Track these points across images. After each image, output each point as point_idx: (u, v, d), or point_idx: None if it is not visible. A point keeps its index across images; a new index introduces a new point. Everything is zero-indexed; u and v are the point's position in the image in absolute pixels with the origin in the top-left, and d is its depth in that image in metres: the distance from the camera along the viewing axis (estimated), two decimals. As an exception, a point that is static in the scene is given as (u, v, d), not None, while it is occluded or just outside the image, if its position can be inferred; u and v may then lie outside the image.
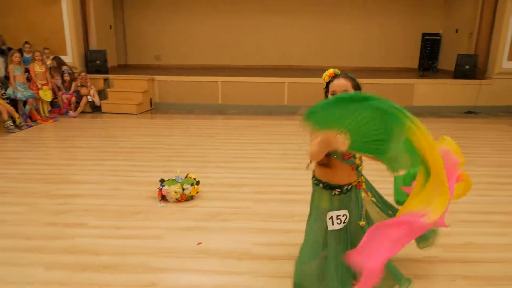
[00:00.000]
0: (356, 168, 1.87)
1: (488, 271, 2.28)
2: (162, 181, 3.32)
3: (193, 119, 6.91)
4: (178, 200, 3.22)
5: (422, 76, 8.39)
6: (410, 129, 1.47)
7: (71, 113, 7.00)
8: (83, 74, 7.33)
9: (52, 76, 7.21)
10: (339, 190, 1.86)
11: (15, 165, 4.22)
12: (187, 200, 3.25)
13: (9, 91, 6.18)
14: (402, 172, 2.00)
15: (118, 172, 4.01)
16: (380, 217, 2.09)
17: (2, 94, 6.06)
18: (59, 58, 7.51)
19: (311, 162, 1.86)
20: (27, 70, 6.71)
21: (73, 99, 7.14)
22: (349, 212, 1.90)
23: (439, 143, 1.82)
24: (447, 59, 9.47)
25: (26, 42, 7.38)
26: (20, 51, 6.83)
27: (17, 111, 6.07)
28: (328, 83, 1.87)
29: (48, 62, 7.31)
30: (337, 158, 1.83)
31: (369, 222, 1.98)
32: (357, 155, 1.85)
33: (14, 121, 5.88)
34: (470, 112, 7.64)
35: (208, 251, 2.48)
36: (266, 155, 4.63)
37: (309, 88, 7.51)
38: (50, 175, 3.88)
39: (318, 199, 1.91)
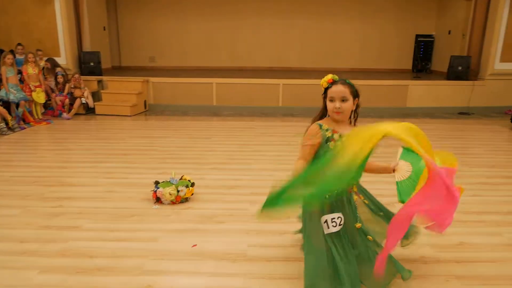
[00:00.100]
0: None
1: (482, 271, 2.30)
2: (156, 183, 3.31)
3: (187, 121, 6.90)
4: (173, 202, 3.21)
5: (415, 78, 8.45)
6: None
7: (64, 115, 6.96)
8: (76, 75, 7.29)
9: (46, 78, 7.17)
10: (329, 194, 1.86)
11: (8, 168, 4.19)
12: (182, 202, 3.24)
13: (2, 93, 6.13)
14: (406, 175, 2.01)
15: (112, 174, 3.99)
16: (372, 218, 2.11)
17: (-6, 96, 6.02)
18: (53, 60, 7.47)
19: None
20: (19, 72, 6.66)
21: (67, 101, 7.09)
22: (343, 215, 1.91)
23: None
24: (440, 61, 9.54)
25: (19, 44, 7.32)
26: (12, 52, 6.78)
27: (10, 113, 6.03)
28: (326, 89, 1.88)
29: (42, 63, 7.27)
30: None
31: (361, 223, 1.99)
32: None
33: (7, 123, 5.83)
34: (463, 113, 7.70)
35: (203, 253, 2.47)
36: (261, 157, 4.63)
37: (304, 89, 7.54)
38: (43, 178, 3.86)
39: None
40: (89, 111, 7.37)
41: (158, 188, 3.24)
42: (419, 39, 10.00)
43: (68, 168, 4.19)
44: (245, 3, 10.03)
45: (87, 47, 8.30)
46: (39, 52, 7.39)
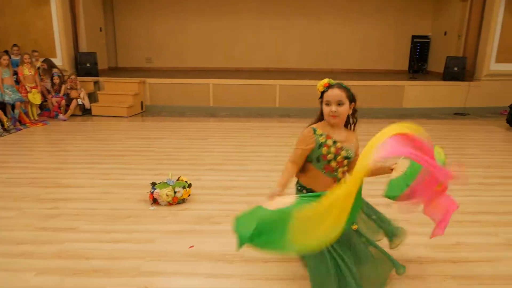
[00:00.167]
0: (338, 181, 1.90)
1: (478, 271, 2.32)
2: (153, 184, 3.30)
3: (184, 122, 6.90)
4: (169, 203, 3.21)
5: (412, 78, 8.48)
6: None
7: (61, 116, 6.93)
8: (73, 76, 7.26)
9: (42, 79, 7.14)
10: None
11: (4, 169, 4.17)
12: (179, 203, 3.24)
13: (-3, 94, 6.11)
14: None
15: (109, 175, 3.98)
16: (365, 219, 2.12)
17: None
18: (50, 61, 7.44)
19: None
20: (15, 73, 6.63)
21: (63, 102, 7.07)
22: None
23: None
24: (436, 61, 9.59)
25: (14, 45, 7.29)
26: (7, 53, 6.75)
27: (5, 114, 6.00)
28: (322, 93, 1.88)
29: (38, 64, 7.24)
30: (318, 169, 1.85)
31: (357, 225, 2.00)
32: (340, 170, 1.87)
33: (2, 125, 5.80)
34: (459, 114, 7.73)
35: (200, 254, 2.47)
36: (257, 157, 4.63)
37: (300, 90, 7.55)
38: (40, 179, 3.84)
39: None
40: (85, 112, 7.35)
41: (155, 189, 3.24)
42: (415, 40, 10.04)
43: (64, 170, 4.18)
44: (242, 4, 10.04)
45: (83, 48, 8.28)
46: (35, 53, 7.36)
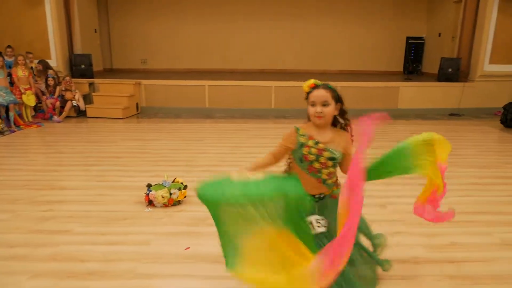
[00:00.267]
0: (324, 182, 1.86)
1: (473, 271, 2.32)
2: (149, 186, 3.29)
3: (180, 123, 6.88)
4: (165, 205, 3.20)
5: (406, 79, 8.52)
6: None
7: (55, 118, 6.89)
8: (67, 78, 7.23)
9: (36, 81, 7.10)
10: (311, 198, 1.85)
11: (-3, 172, 4.14)
12: (174, 204, 3.23)
13: (-9, 96, 6.07)
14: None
15: (104, 177, 3.96)
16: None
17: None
18: (45, 62, 7.40)
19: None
20: (9, 74, 6.59)
21: (58, 103, 7.03)
22: (329, 219, 1.90)
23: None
24: (430, 63, 9.64)
25: (8, 46, 7.24)
26: (1, 54, 6.71)
27: (-1, 116, 5.96)
28: (308, 93, 1.87)
29: (33, 65, 7.20)
30: (303, 169, 1.84)
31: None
32: (324, 171, 1.85)
33: (-4, 127, 5.76)
34: (454, 114, 7.78)
35: (197, 256, 2.46)
36: (253, 159, 4.59)
37: (296, 91, 7.50)
38: (34, 181, 3.81)
39: None
40: (80, 114, 7.31)
41: (150, 191, 3.22)
42: (410, 41, 10.09)
43: (59, 172, 4.15)
44: (237, 5, 10.05)
45: (78, 49, 8.24)
46: (29, 55, 7.32)
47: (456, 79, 7.94)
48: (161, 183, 3.29)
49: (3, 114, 6.12)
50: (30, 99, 6.63)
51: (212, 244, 2.60)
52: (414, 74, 9.72)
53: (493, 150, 5.43)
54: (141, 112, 7.80)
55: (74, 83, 7.37)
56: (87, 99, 7.64)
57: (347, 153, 1.88)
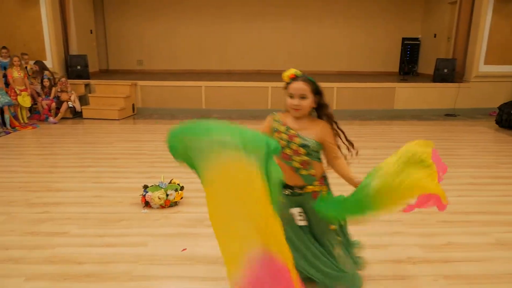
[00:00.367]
0: (297, 170, 1.84)
1: (469, 270, 2.33)
2: (145, 187, 3.28)
3: (176, 124, 6.85)
4: (162, 206, 3.19)
5: (402, 80, 8.55)
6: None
7: (51, 119, 6.86)
8: (63, 79, 7.21)
9: (32, 83, 7.07)
10: (290, 190, 1.87)
11: (-7, 173, 4.11)
12: (171, 206, 3.22)
13: (-14, 97, 6.03)
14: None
15: (100, 179, 3.95)
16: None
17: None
18: (42, 63, 7.37)
19: None
20: (4, 76, 6.55)
21: (53, 105, 7.00)
22: (310, 217, 1.91)
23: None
24: (426, 63, 9.69)
25: (4, 47, 7.20)
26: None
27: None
28: (288, 84, 1.87)
29: (29, 67, 7.16)
30: (278, 156, 1.78)
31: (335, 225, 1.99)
32: (296, 159, 1.83)
33: (-9, 128, 5.73)
34: (450, 115, 7.81)
35: (194, 257, 2.46)
36: (250, 160, 4.61)
37: (292, 92, 7.56)
38: (30, 183, 3.80)
39: None
40: (76, 115, 7.29)
41: (147, 192, 3.22)
42: (405, 42, 10.13)
43: (55, 173, 4.13)
44: (234, 7, 10.05)
45: (74, 50, 8.21)
46: (25, 56, 7.28)
47: (452, 80, 7.99)
48: (157, 184, 3.29)
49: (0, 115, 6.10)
50: (25, 101, 6.60)
51: (209, 246, 2.60)
52: (410, 75, 9.76)
53: (489, 150, 5.47)
54: (137, 113, 7.78)
55: (70, 84, 7.34)
56: (83, 100, 7.62)
57: (325, 142, 1.85)
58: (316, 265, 1.92)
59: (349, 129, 1.99)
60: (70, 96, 7.14)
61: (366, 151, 1.80)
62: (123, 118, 7.28)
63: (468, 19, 7.91)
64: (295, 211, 1.90)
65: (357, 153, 1.89)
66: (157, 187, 3.24)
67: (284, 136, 1.83)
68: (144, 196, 3.21)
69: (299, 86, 1.81)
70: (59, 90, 7.12)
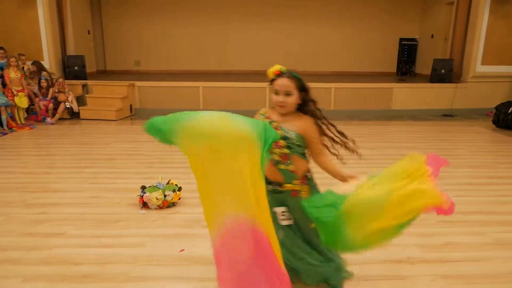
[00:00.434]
0: (276, 164, 1.81)
1: (467, 270, 2.34)
2: (143, 188, 3.27)
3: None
4: (160, 207, 3.18)
5: (400, 80, 8.58)
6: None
7: (48, 120, 6.84)
8: (60, 80, 7.18)
9: (29, 83, 7.04)
10: (271, 186, 1.85)
11: (-11, 174, 4.10)
12: (169, 206, 3.22)
13: (-17, 98, 6.01)
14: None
15: (98, 179, 3.94)
16: None
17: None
18: (39, 63, 7.35)
19: None
20: (1, 76, 6.53)
21: (51, 105, 6.98)
22: (295, 214, 1.90)
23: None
24: (423, 64, 9.71)
25: (1, 48, 7.18)
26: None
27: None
28: (273, 81, 1.87)
29: (26, 67, 7.14)
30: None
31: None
32: (276, 151, 1.80)
33: (-12, 129, 5.71)
34: (447, 115, 7.83)
35: (192, 258, 2.45)
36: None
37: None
38: (27, 184, 3.78)
39: None
40: (73, 115, 7.26)
41: (144, 193, 3.21)
42: (403, 42, 10.15)
43: (52, 174, 4.12)
44: (231, 7, 10.05)
45: (71, 50, 8.19)
46: (22, 57, 7.26)
47: (449, 80, 8.01)
48: (155, 185, 3.28)
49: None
50: (22, 101, 6.58)
51: (207, 246, 2.58)
52: (408, 75, 9.78)
53: (486, 150, 5.48)
54: (134, 114, 7.77)
55: (67, 84, 7.32)
56: (80, 100, 7.59)
57: (308, 137, 1.82)
58: (304, 260, 1.93)
59: (347, 129, 1.99)
60: (67, 97, 7.12)
61: (364, 152, 1.78)
62: (120, 119, 7.26)
63: (465, 19, 7.93)
64: (279, 210, 1.88)
65: (353, 142, 1.87)
66: (155, 188, 3.24)
67: None
68: (142, 196, 3.20)
69: (284, 83, 1.80)
70: (56, 90, 7.09)
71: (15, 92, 6.50)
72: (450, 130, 6.65)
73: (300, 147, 1.83)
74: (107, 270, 2.32)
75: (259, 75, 9.39)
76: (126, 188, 3.59)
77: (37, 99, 7.01)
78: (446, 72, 8.01)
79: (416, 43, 10.18)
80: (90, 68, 8.71)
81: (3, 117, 6.10)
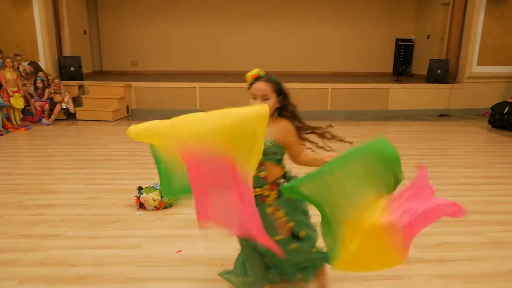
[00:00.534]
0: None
1: (463, 270, 2.35)
2: (140, 188, 3.26)
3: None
4: (156, 208, 3.18)
5: (396, 81, 8.60)
6: None
7: (44, 120, 6.81)
8: (56, 80, 7.16)
9: (24, 84, 7.01)
10: None
11: (-15, 176, 4.07)
12: (166, 207, 3.21)
13: (-22, 98, 5.98)
14: None
15: (94, 180, 3.92)
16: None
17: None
18: (36, 64, 7.32)
19: None
20: (-3, 77, 6.50)
21: (47, 106, 6.95)
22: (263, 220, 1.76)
23: None
24: (420, 64, 9.75)
25: (-4, 48, 7.15)
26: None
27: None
28: (251, 84, 1.84)
29: (21, 68, 7.11)
30: None
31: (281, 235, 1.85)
32: None
33: (-17, 130, 5.67)
34: (443, 115, 7.87)
35: (189, 259, 2.45)
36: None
37: (287, 93, 7.57)
38: (23, 185, 3.76)
39: None
40: (69, 116, 7.24)
41: (141, 193, 3.20)
42: (399, 43, 10.19)
43: (48, 175, 4.10)
44: (227, 7, 10.05)
45: (67, 51, 8.16)
46: (18, 57, 7.22)
47: (445, 81, 8.05)
48: (152, 185, 3.27)
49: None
50: (18, 102, 6.54)
51: (204, 247, 2.59)
52: (404, 76, 9.82)
53: (482, 150, 5.51)
54: (131, 115, 7.75)
55: (64, 85, 7.29)
56: (77, 101, 7.57)
57: (287, 143, 1.79)
58: (288, 261, 1.90)
59: (343, 130, 1.99)
60: (63, 98, 7.09)
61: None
62: (117, 120, 7.24)
63: (460, 20, 7.97)
64: None
65: (331, 126, 1.85)
66: (151, 189, 3.23)
67: None
68: (138, 197, 3.19)
69: (261, 87, 1.78)
70: (52, 91, 7.07)
71: (10, 93, 6.46)
72: (446, 130, 6.68)
73: (275, 154, 1.78)
74: (104, 271, 2.31)
75: (256, 76, 9.43)
76: (122, 189, 3.58)
77: (33, 100, 6.98)
78: (442, 72, 8.04)
79: (412, 43, 10.22)
80: (86, 68, 8.69)
81: (-1, 118, 6.08)
